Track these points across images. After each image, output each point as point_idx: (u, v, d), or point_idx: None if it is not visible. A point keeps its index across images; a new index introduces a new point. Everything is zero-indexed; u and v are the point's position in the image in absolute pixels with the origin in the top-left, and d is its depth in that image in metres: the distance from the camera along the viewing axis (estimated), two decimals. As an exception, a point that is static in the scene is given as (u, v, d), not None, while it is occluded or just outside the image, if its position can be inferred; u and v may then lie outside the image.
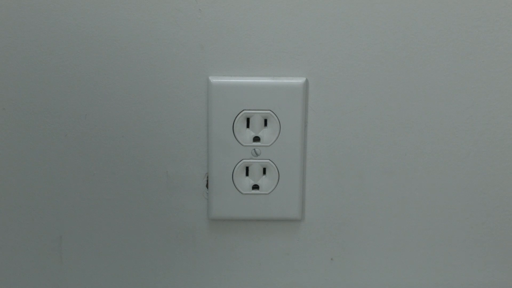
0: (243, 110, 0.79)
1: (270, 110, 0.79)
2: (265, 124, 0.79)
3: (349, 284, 0.85)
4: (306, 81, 0.78)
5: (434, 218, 0.83)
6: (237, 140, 0.79)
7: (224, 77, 0.78)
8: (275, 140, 0.79)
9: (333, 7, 0.76)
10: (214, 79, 0.78)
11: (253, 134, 0.79)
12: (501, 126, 0.80)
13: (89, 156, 0.81)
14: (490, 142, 0.80)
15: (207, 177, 0.81)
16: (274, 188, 0.81)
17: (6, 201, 0.82)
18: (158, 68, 0.78)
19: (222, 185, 0.81)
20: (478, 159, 0.81)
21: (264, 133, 0.79)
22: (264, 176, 0.81)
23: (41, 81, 0.78)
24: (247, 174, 0.81)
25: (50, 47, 0.77)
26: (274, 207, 0.82)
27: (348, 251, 0.84)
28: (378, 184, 0.82)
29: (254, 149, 0.80)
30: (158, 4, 0.76)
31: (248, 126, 0.79)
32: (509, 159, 0.81)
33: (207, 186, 0.82)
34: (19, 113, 0.79)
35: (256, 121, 0.79)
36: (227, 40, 0.77)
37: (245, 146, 0.80)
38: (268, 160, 0.80)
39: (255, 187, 0.81)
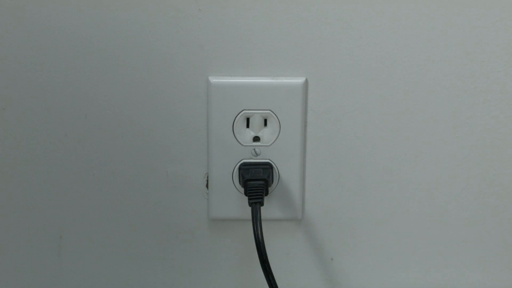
0: (243, 110, 0.79)
1: (270, 110, 0.79)
2: (265, 124, 0.79)
3: (349, 284, 0.85)
4: (306, 81, 0.78)
5: (434, 218, 0.83)
6: (237, 140, 0.79)
7: (224, 77, 0.78)
8: (275, 140, 0.79)
9: (332, 7, 0.76)
10: (214, 79, 0.78)
11: (253, 134, 0.79)
12: (501, 126, 0.80)
13: (89, 156, 0.81)
14: (490, 142, 0.80)
15: (207, 177, 0.81)
16: (274, 188, 0.81)
17: (6, 200, 0.82)
18: (158, 68, 0.78)
19: (222, 185, 0.81)
20: (478, 159, 0.81)
21: (264, 133, 0.79)
22: (264, 176, 0.81)
23: (41, 81, 0.78)
24: (247, 174, 0.81)
25: (50, 47, 0.77)
26: (274, 207, 0.82)
27: (348, 251, 0.84)
28: (378, 184, 0.82)
29: (254, 149, 0.80)
30: (158, 4, 0.76)
31: (248, 126, 0.79)
32: (509, 159, 0.81)
33: (207, 186, 0.82)
34: (19, 113, 0.79)
35: (256, 121, 0.79)
36: (227, 40, 0.77)
37: (245, 146, 0.80)
38: (268, 160, 0.80)
39: (255, 187, 0.81)
